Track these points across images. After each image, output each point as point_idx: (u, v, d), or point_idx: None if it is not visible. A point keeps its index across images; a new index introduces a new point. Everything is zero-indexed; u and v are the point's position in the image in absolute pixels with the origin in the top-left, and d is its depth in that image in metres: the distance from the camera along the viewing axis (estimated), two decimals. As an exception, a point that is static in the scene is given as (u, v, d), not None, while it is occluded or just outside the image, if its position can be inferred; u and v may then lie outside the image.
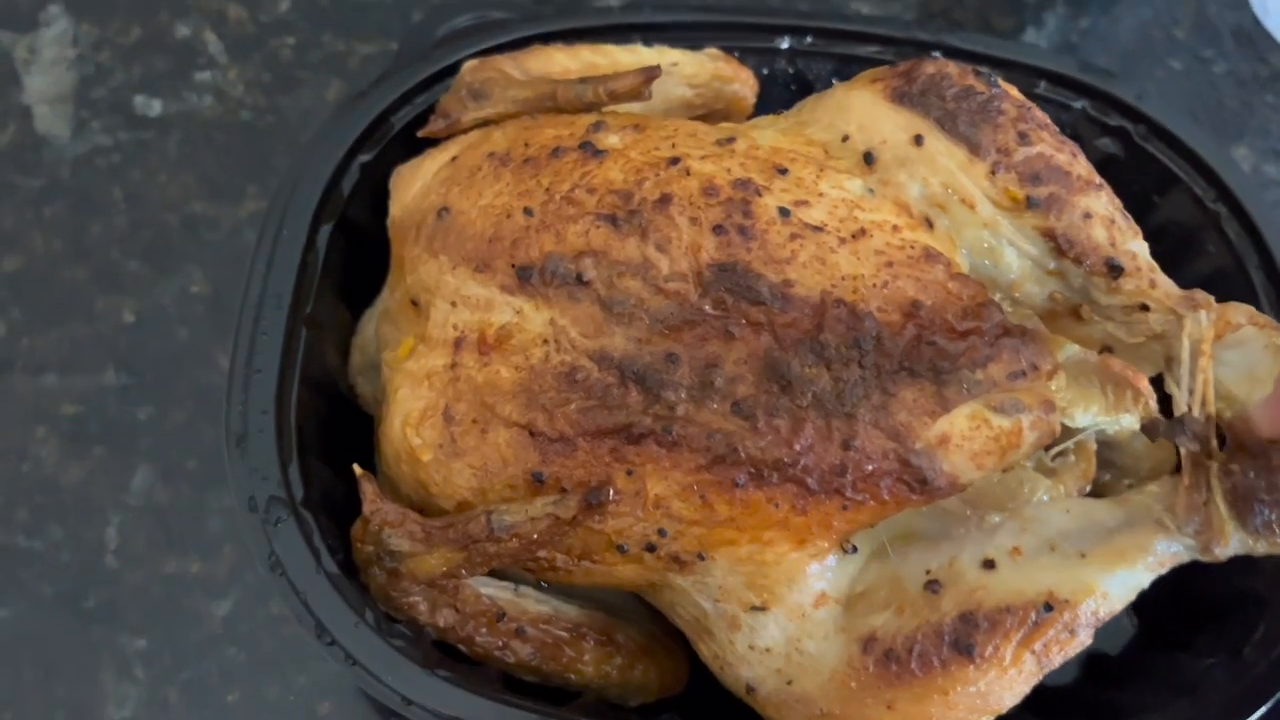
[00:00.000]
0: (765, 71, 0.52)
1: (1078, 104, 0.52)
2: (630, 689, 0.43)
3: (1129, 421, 0.40)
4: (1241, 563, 0.46)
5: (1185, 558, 0.33)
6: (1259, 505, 0.32)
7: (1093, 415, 0.38)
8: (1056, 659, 0.34)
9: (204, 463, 0.54)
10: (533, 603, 0.43)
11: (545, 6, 0.63)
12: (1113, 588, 0.34)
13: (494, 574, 0.43)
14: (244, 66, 0.64)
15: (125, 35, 0.64)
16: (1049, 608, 0.33)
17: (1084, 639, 0.34)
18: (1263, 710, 0.39)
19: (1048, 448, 0.41)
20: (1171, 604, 0.49)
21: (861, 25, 0.52)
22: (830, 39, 0.52)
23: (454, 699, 0.39)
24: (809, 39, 0.52)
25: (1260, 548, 0.33)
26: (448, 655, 0.42)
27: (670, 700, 0.45)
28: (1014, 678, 0.34)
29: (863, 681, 0.35)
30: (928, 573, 0.36)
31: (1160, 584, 0.50)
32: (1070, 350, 0.40)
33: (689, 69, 0.49)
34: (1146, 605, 0.49)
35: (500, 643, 0.41)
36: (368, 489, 0.41)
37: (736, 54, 0.52)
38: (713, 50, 0.51)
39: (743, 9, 0.52)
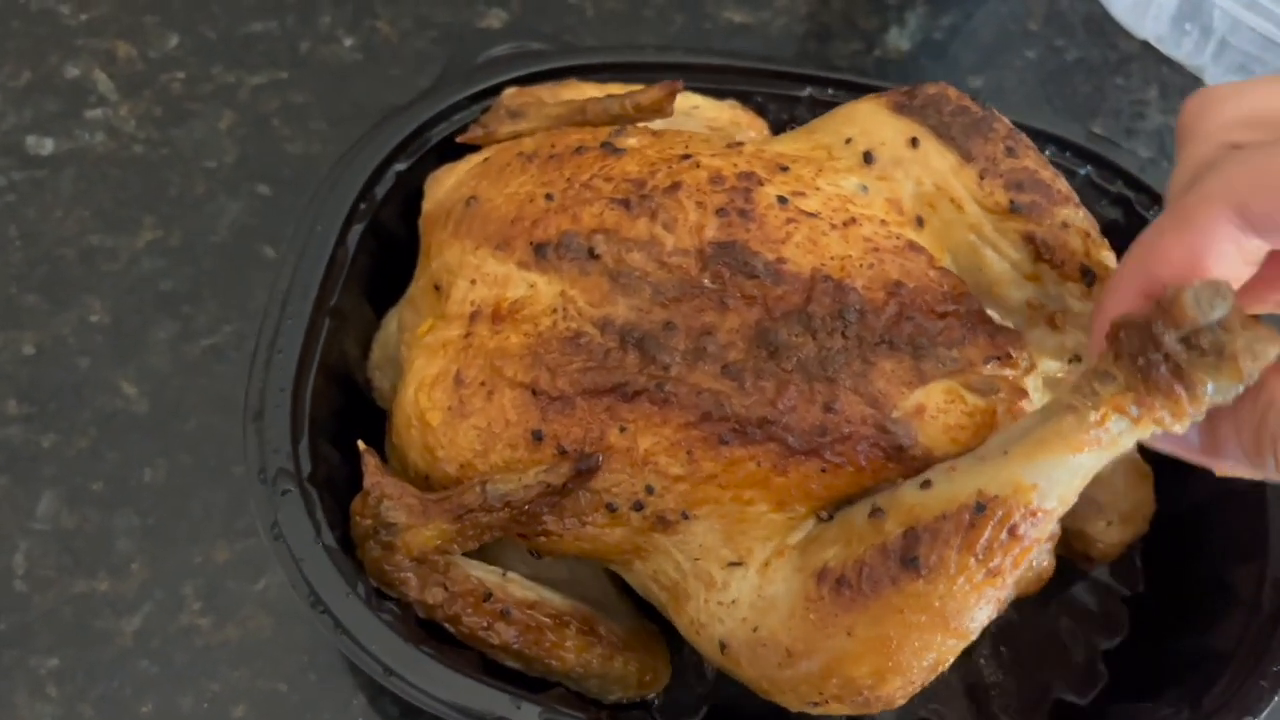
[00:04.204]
0: (785, 117, 0.59)
1: (1082, 170, 0.58)
2: (610, 680, 0.47)
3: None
4: (1208, 622, 0.50)
5: (1105, 436, 0.35)
6: (1148, 366, 0.34)
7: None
8: (1004, 564, 0.36)
9: (109, 485, 0.58)
10: (519, 588, 0.47)
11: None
12: (1040, 479, 0.36)
13: (484, 559, 0.48)
14: (135, 102, 0.70)
15: (16, 79, 0.71)
16: (981, 508, 0.36)
17: (1027, 539, 0.36)
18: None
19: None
20: (1141, 659, 0.53)
21: (879, 80, 0.58)
22: (852, 90, 0.58)
23: (433, 674, 0.43)
24: (830, 90, 0.59)
25: (1159, 411, 0.34)
26: (432, 637, 0.46)
27: (646, 702, 0.49)
28: (965, 588, 0.36)
29: (821, 612, 0.38)
30: (873, 506, 0.39)
31: (1132, 641, 0.54)
32: (1046, 364, 0.44)
33: (710, 113, 0.56)
34: (1117, 659, 0.53)
35: (485, 623, 0.45)
36: (370, 463, 0.46)
37: (759, 98, 0.59)
38: (732, 101, 0.58)
39: (768, 58, 0.60)
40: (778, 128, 0.58)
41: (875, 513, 0.39)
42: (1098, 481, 0.51)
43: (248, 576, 0.56)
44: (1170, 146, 0.72)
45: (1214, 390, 0.34)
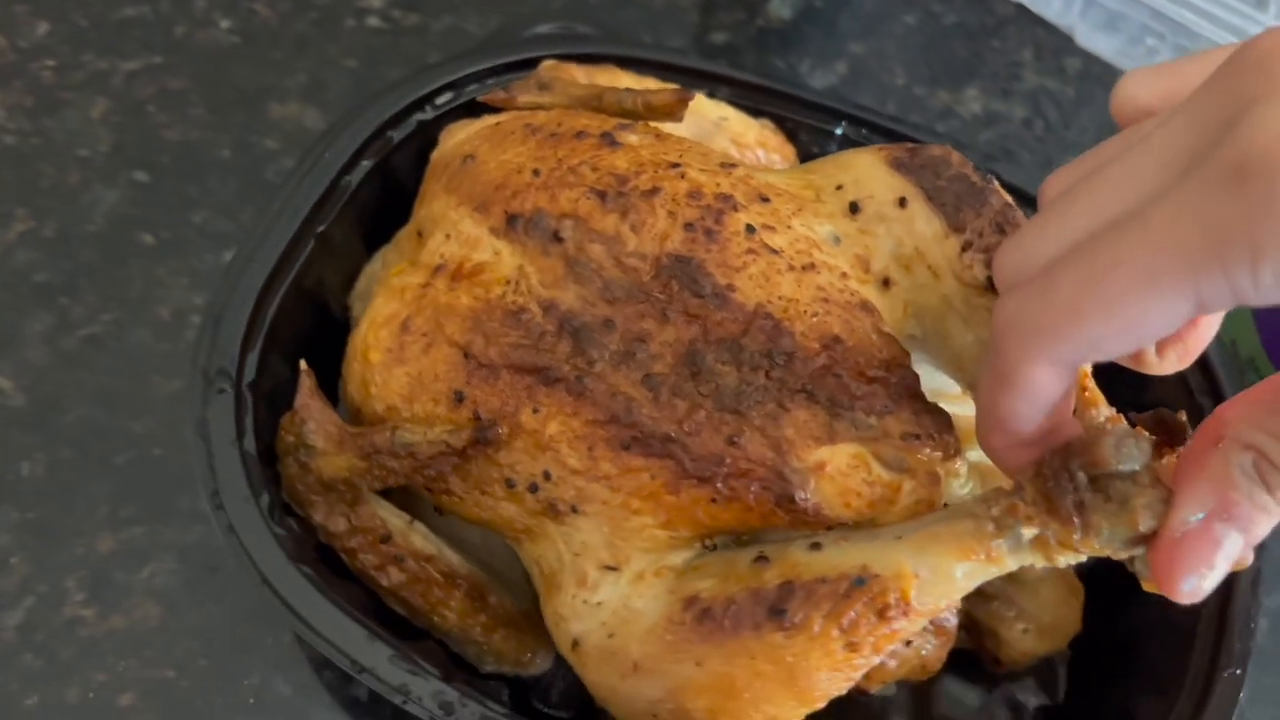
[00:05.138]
0: (815, 150, 0.59)
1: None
2: (487, 651, 0.48)
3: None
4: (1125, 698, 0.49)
5: (993, 551, 0.36)
6: (1064, 489, 0.34)
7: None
8: (865, 642, 0.36)
9: (-10, 480, 0.57)
10: (420, 539, 0.48)
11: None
12: (923, 570, 0.36)
13: (398, 503, 0.49)
14: (5, 92, 0.69)
15: (-120, 73, 0.69)
16: (861, 581, 0.36)
17: (895, 627, 0.36)
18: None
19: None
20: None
21: (912, 130, 0.58)
22: (887, 136, 0.58)
23: (302, 593, 0.44)
24: (864, 130, 0.59)
25: (1048, 534, 0.35)
26: (327, 567, 0.47)
27: (521, 680, 0.50)
28: (819, 654, 0.36)
29: (677, 636, 0.38)
30: (759, 552, 0.40)
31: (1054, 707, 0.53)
32: (979, 454, 0.44)
33: (738, 127, 0.56)
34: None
35: (378, 563, 0.47)
36: (305, 384, 0.47)
37: (790, 124, 0.59)
38: (765, 121, 0.58)
39: (808, 87, 0.60)
40: (806, 158, 0.58)
41: (760, 559, 0.39)
42: (1024, 587, 0.51)
43: (132, 567, 0.55)
44: (1045, 106, 0.75)
45: (1109, 535, 0.34)
